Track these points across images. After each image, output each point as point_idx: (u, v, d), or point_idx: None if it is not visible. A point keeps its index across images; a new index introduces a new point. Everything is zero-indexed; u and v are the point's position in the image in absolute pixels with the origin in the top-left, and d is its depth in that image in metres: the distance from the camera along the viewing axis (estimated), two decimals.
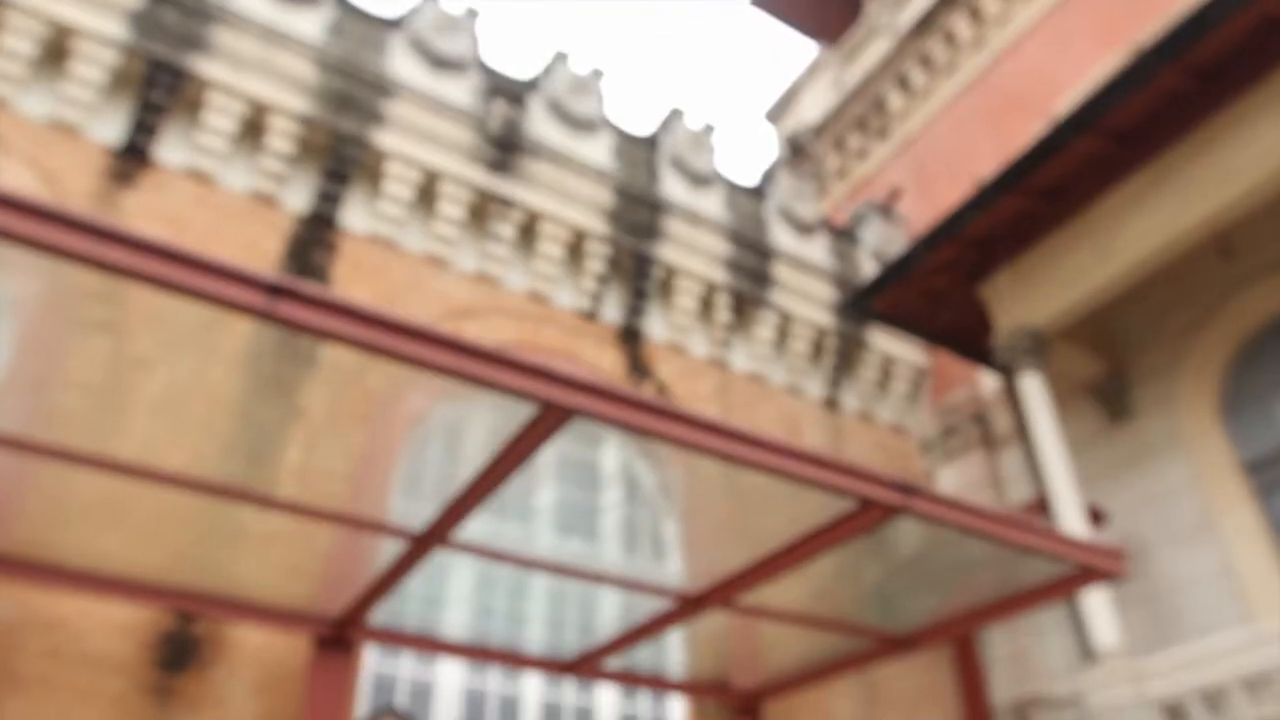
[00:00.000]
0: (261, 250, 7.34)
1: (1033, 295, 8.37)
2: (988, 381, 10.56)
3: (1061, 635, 9.00)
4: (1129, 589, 8.24)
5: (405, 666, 6.60)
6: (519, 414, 3.85)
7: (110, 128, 7.19)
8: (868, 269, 11.17)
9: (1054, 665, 8.95)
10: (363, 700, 6.17)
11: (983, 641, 9.45)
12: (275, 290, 3.17)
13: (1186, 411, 8.51)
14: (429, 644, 6.05)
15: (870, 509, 4.46)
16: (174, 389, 4.31)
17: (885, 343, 10.80)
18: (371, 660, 6.47)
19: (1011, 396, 9.33)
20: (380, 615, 5.82)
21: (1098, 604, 7.19)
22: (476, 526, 5.11)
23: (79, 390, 4.21)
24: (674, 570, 7.28)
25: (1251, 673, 6.16)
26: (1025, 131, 10.91)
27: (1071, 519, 7.45)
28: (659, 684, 7.01)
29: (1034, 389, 8.18)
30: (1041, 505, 8.34)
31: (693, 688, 7.22)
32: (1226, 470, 8.11)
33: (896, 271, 8.87)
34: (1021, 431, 9.48)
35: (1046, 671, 8.94)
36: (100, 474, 4.38)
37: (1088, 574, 5.25)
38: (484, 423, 4.59)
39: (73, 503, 4.71)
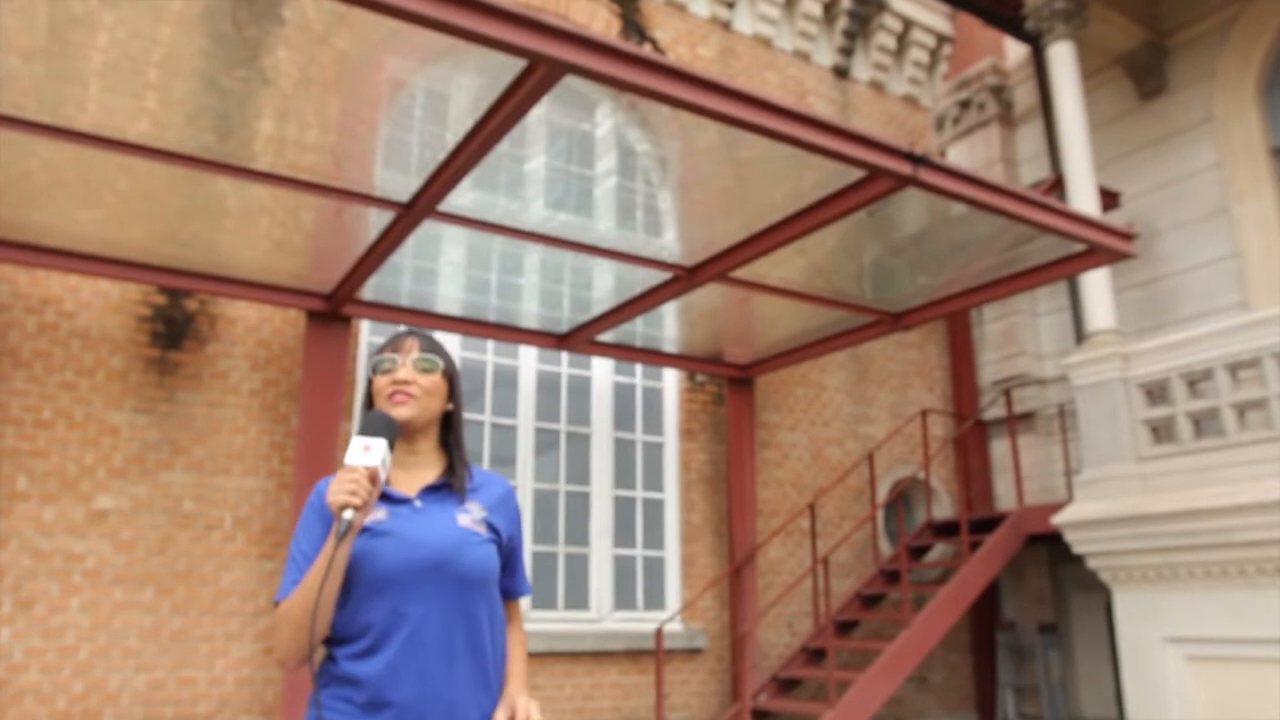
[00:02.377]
0: None
1: None
2: (1013, 52, 9.83)
3: (1054, 317, 9.11)
4: (1129, 275, 8.19)
5: None
6: (506, 78, 3.48)
7: None
8: None
9: (1045, 348, 9.14)
10: (360, 372, 6.29)
11: (974, 321, 9.60)
12: None
13: (1224, 88, 7.96)
14: (423, 317, 6.06)
15: (878, 179, 4.21)
16: (123, 52, 3.93)
17: (904, 5, 9.91)
18: (367, 333, 6.53)
19: (1039, 68, 8.72)
20: (374, 290, 5.78)
21: (1096, 286, 7.16)
22: (465, 201, 4.89)
23: (19, 55, 3.82)
24: (669, 245, 7.16)
25: (1237, 357, 6.19)
26: None
27: (1085, 199, 7.22)
28: (653, 356, 7.15)
29: (1063, 58, 7.59)
30: (1054, 186, 8.07)
31: (687, 361, 7.39)
32: (1255, 154, 7.73)
33: None
34: (1044, 107, 8.96)
35: (1036, 353, 9.15)
36: (59, 144, 4.10)
37: (1097, 253, 5.12)
38: (469, 90, 4.22)
39: (37, 179, 4.45)
